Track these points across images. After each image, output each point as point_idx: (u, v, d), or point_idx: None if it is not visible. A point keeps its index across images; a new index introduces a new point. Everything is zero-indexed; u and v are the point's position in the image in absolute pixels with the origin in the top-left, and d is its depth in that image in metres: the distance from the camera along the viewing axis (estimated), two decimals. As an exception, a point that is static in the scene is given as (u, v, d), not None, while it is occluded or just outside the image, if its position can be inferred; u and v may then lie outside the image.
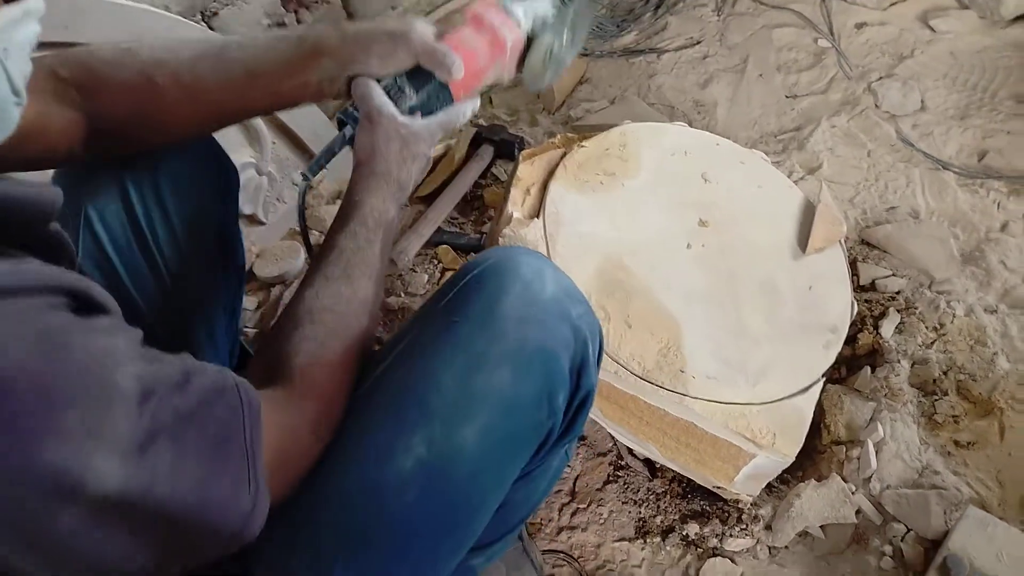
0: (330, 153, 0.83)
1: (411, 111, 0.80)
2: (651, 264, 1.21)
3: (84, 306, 0.49)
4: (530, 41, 0.87)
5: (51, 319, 0.44)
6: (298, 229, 1.67)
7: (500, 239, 1.18)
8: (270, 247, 1.59)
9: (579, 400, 0.73)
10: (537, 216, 1.22)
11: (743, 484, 1.16)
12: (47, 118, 0.71)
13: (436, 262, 1.62)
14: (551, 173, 1.28)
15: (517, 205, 1.24)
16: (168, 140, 0.83)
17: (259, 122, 1.51)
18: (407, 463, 0.64)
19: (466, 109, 0.85)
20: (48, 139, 0.72)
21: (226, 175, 0.97)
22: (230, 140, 1.47)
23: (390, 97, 0.78)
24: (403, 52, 0.78)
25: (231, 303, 1.03)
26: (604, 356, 1.08)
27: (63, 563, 0.46)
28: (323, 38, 0.77)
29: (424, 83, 0.80)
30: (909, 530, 1.20)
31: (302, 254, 1.57)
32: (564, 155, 1.32)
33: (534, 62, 0.88)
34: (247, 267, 1.54)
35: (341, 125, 0.82)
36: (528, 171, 1.30)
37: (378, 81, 0.79)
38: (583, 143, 1.34)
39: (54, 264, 0.52)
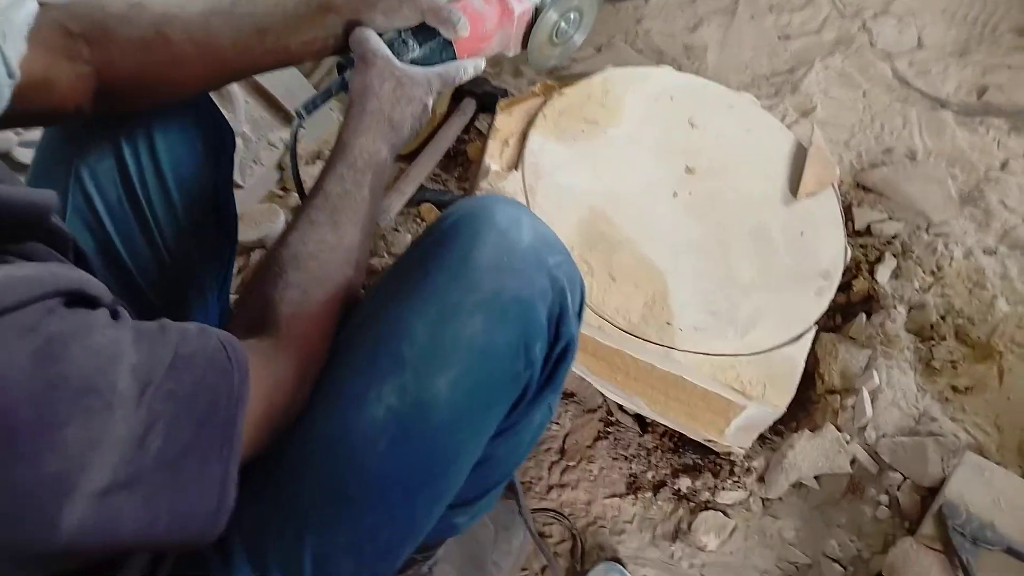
0: (327, 94, 0.83)
1: (412, 63, 0.80)
2: (636, 215, 1.17)
3: (79, 301, 0.48)
4: (538, 19, 0.88)
5: (50, 326, 0.44)
6: (276, 191, 1.64)
7: (478, 193, 1.14)
8: (248, 210, 1.55)
9: (558, 351, 0.71)
10: (516, 168, 1.17)
11: (735, 436, 1.13)
12: (56, 75, 0.70)
13: (419, 221, 1.58)
14: (530, 123, 1.24)
15: (495, 157, 1.19)
16: (177, 96, 0.83)
17: (230, 81, 1.45)
18: (378, 412, 0.63)
19: (468, 66, 0.85)
20: (57, 95, 0.71)
21: (220, 134, 0.95)
22: (200, 100, 1.41)
23: (392, 49, 0.78)
24: (408, 9, 0.79)
25: (223, 267, 1.01)
26: (588, 311, 1.06)
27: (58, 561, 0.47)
28: None
29: (428, 39, 0.80)
30: (905, 478, 1.17)
31: (281, 217, 1.53)
32: (544, 104, 1.27)
33: (540, 38, 0.90)
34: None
35: (341, 70, 0.83)
36: (507, 121, 1.25)
37: (381, 35, 0.79)
38: (563, 91, 1.29)
39: (53, 249, 0.52)
